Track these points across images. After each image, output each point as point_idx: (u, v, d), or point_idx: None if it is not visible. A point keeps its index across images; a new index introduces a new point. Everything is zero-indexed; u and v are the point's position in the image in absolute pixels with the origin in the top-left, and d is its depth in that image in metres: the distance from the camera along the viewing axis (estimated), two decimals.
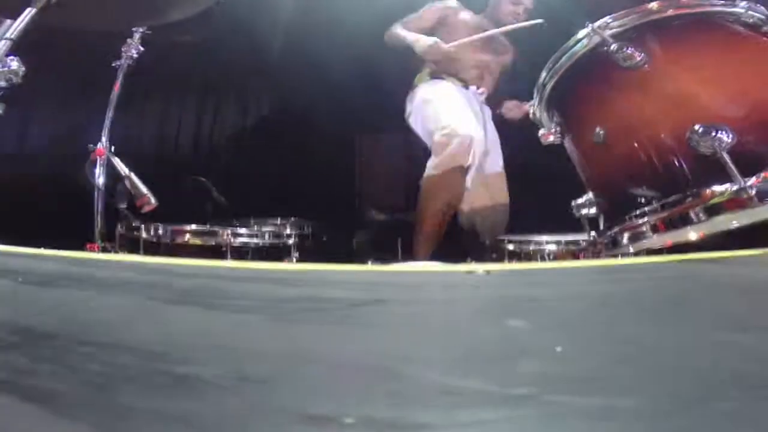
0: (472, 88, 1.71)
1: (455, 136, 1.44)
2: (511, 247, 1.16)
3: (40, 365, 0.23)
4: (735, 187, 0.65)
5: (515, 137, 1.55)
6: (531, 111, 1.00)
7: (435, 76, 1.71)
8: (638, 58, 0.77)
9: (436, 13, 1.75)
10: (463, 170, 1.42)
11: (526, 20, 1.70)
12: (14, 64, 0.90)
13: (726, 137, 0.66)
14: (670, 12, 0.79)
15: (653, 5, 0.80)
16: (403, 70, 1.83)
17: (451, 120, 1.49)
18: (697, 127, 0.69)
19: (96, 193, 1.33)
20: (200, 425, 0.17)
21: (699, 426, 0.17)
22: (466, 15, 1.77)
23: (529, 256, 1.15)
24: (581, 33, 0.83)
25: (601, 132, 0.81)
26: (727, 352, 0.26)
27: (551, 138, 0.96)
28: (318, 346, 0.27)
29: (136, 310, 0.35)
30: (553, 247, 1.12)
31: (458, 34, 1.70)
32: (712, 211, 0.67)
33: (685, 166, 0.71)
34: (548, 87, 0.91)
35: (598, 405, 0.19)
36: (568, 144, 0.93)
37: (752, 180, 0.64)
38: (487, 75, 1.75)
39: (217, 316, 0.34)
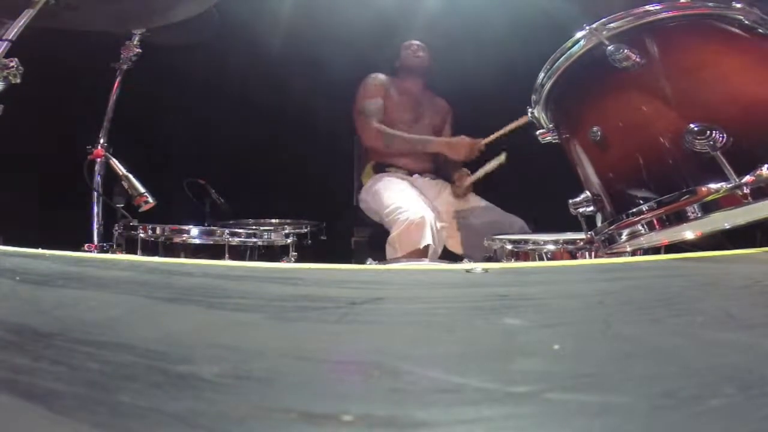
0: (420, 176, 1.74)
1: (405, 217, 1.43)
2: (509, 246, 1.17)
3: (39, 364, 0.23)
4: (730, 185, 0.65)
5: (513, 137, 1.56)
6: (529, 111, 1.00)
7: (379, 169, 1.74)
8: (635, 59, 0.77)
9: (381, 89, 1.79)
10: (424, 251, 1.40)
11: (427, 59, 1.79)
12: (13, 64, 0.89)
13: (721, 137, 0.67)
14: (667, 14, 0.80)
15: (650, 7, 0.80)
16: None
17: (399, 202, 1.51)
18: (692, 126, 0.69)
19: (94, 193, 1.33)
20: (200, 424, 0.17)
21: (694, 423, 0.18)
22: (393, 83, 1.82)
23: (527, 256, 1.15)
24: (579, 34, 0.84)
25: (598, 131, 0.81)
26: (723, 350, 0.26)
27: (549, 137, 0.96)
28: (317, 345, 0.27)
29: (135, 309, 0.35)
30: (551, 247, 1.13)
31: (397, 101, 1.77)
32: (708, 208, 0.67)
33: (680, 164, 0.72)
34: (546, 87, 0.92)
35: (595, 402, 0.19)
36: (565, 143, 0.94)
37: (747, 178, 0.64)
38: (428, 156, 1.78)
39: (217, 314, 0.34)
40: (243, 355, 0.25)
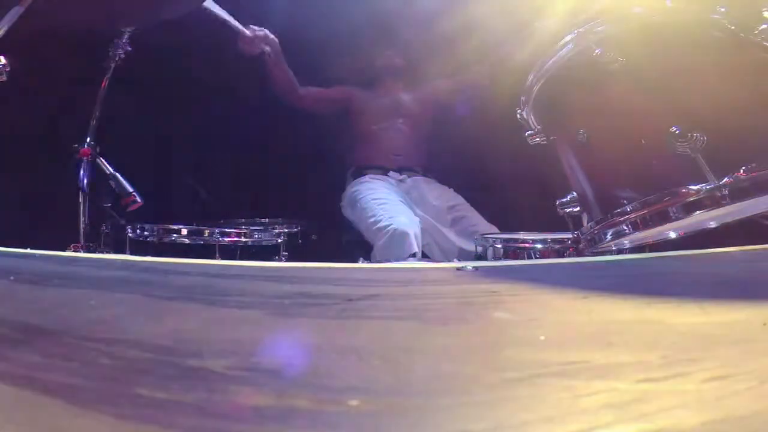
0: (394, 174, 1.76)
1: (387, 230, 1.42)
2: (498, 245, 1.19)
3: (52, 360, 0.24)
4: (709, 186, 0.68)
5: (505, 139, 1.58)
6: (518, 113, 1.02)
7: (356, 174, 1.78)
8: (621, 63, 0.80)
9: (344, 92, 1.87)
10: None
11: (402, 66, 1.86)
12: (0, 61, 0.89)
13: (701, 139, 0.70)
14: (653, 18, 0.82)
15: (637, 11, 0.82)
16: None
17: (378, 214, 1.51)
18: (673, 129, 0.72)
19: (80, 192, 1.31)
20: (218, 413, 0.19)
21: (673, 396, 0.20)
22: (363, 93, 1.89)
23: (516, 254, 1.18)
24: (567, 37, 0.86)
25: (585, 133, 0.84)
26: (694, 336, 0.28)
27: (537, 139, 0.99)
28: (320, 338, 0.28)
29: (137, 307, 0.36)
30: (539, 245, 1.15)
31: (373, 107, 1.83)
32: (688, 208, 0.70)
33: (663, 166, 0.74)
34: (535, 89, 0.94)
35: (581, 385, 0.21)
36: (553, 144, 0.96)
37: (725, 180, 0.67)
38: (405, 144, 1.81)
39: (219, 311, 0.35)
40: (249, 348, 0.26)
